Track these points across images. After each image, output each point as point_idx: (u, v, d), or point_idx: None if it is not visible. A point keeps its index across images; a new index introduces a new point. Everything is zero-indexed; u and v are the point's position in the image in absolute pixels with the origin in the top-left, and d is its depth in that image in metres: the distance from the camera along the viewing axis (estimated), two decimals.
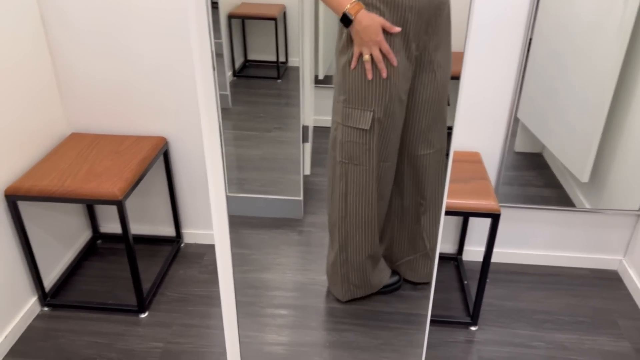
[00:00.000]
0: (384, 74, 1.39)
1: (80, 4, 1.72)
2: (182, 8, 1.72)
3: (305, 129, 2.17)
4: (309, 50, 2.07)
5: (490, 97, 1.84)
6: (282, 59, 2.23)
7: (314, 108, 2.36)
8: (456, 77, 3.07)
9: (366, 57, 1.36)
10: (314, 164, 2.36)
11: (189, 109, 1.89)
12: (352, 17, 1.32)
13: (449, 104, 1.59)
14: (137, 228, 2.15)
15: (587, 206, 2.03)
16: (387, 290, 1.83)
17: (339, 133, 1.52)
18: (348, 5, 1.32)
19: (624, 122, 1.92)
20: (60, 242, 1.96)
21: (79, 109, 1.90)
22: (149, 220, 2.13)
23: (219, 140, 0.99)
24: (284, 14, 2.13)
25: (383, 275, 1.81)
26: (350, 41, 1.40)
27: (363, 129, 1.48)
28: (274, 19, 2.13)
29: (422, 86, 1.50)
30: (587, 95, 1.96)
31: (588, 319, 1.81)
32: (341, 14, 1.34)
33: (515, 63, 1.80)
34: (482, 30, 1.73)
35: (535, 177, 2.27)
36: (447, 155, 1.13)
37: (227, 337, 1.21)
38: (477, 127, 1.89)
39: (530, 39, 1.98)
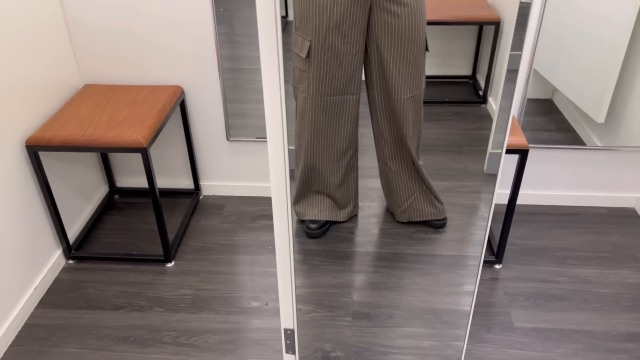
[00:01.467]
0: None
1: None
2: None
3: None
4: None
5: None
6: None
7: None
8: (469, 22, 3.00)
9: None
10: None
11: (204, 57, 1.85)
12: None
13: (427, 50, 1.59)
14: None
15: (601, 146, 2.03)
16: (312, 233, 1.87)
17: (293, 56, 1.60)
18: None
19: None
20: (80, 195, 1.94)
21: (92, 61, 1.86)
22: (166, 172, 2.12)
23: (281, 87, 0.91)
24: None
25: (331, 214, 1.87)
26: None
27: (303, 57, 1.55)
28: None
29: (381, 26, 1.50)
30: (602, 35, 1.93)
31: (609, 254, 1.84)
32: None
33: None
34: None
35: (547, 122, 2.26)
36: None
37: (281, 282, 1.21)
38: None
39: None
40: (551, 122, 2.29)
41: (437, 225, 1.91)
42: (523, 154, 1.59)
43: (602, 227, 1.97)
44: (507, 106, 2.45)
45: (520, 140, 1.59)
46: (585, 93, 2.10)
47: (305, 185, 1.83)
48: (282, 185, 0.93)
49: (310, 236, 1.89)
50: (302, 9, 1.48)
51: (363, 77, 1.66)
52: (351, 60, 1.56)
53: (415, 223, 1.93)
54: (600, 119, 2.04)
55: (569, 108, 2.23)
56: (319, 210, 1.86)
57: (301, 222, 1.90)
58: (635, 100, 1.96)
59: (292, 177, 1.74)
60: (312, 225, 1.87)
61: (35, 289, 1.65)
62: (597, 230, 1.95)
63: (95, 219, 2.00)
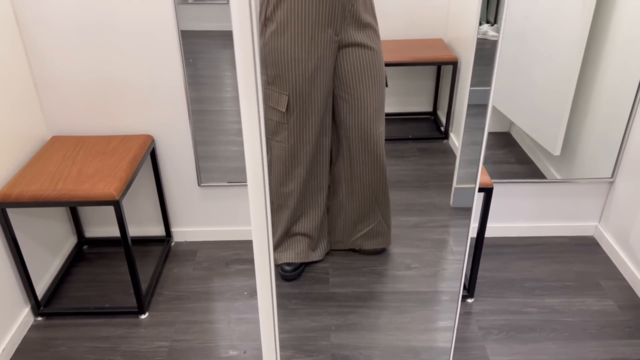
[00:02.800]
0: None
1: (55, 0, 1.67)
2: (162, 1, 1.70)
3: None
4: None
5: None
6: None
7: None
8: (429, 63, 3.13)
9: None
10: None
11: (173, 104, 1.87)
12: None
13: (387, 85, 1.69)
14: None
15: (559, 178, 2.14)
16: (287, 275, 1.90)
17: (266, 112, 1.67)
18: None
19: (591, 95, 2.03)
20: (48, 249, 1.90)
21: (59, 111, 1.84)
22: (137, 221, 2.09)
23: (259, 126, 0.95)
24: None
25: (304, 255, 1.91)
26: (274, 10, 1.49)
27: (281, 110, 1.62)
28: None
29: (353, 65, 1.61)
30: (554, 71, 2.06)
31: (573, 282, 1.92)
32: None
33: None
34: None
35: (506, 155, 2.37)
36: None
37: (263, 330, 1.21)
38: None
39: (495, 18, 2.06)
40: (510, 154, 2.39)
41: (379, 252, 2.00)
42: (488, 192, 1.67)
43: (565, 257, 2.05)
44: (468, 141, 2.55)
45: (484, 178, 1.66)
46: (540, 127, 2.22)
47: (284, 230, 1.86)
48: (263, 233, 0.95)
49: (286, 279, 1.90)
50: (275, 64, 1.53)
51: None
52: (323, 105, 1.62)
53: (386, 258, 1.99)
54: (556, 151, 2.15)
55: (526, 141, 2.34)
56: (295, 253, 1.88)
57: (276, 265, 1.91)
58: (587, 133, 2.08)
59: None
60: (287, 268, 1.88)
61: (2, 350, 1.59)
62: (561, 259, 2.04)
63: (64, 272, 1.95)
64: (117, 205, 1.56)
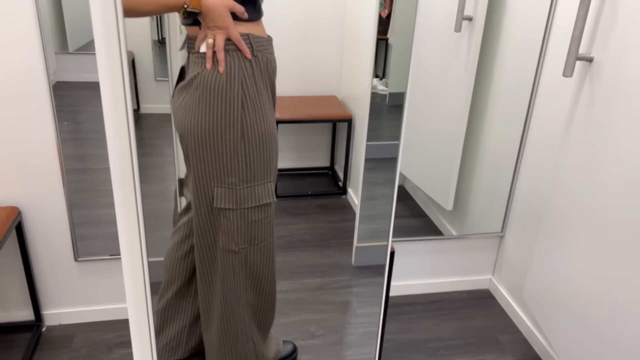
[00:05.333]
0: (221, 68, 1.21)
1: None
2: (30, 48, 1.51)
3: (181, 181, 2.04)
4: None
5: None
6: (133, 106, 2.06)
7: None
8: (324, 120, 3.14)
9: (209, 40, 1.20)
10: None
11: (44, 171, 1.65)
12: (195, 9, 1.17)
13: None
14: None
15: (453, 232, 2.19)
16: None
17: (235, 219, 1.32)
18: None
19: (477, 152, 2.13)
20: None
21: None
22: (1, 304, 1.80)
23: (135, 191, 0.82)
24: (132, 60, 1.98)
25: (278, 348, 1.72)
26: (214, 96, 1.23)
27: (267, 204, 1.34)
28: None
29: None
30: (443, 129, 2.14)
31: (474, 339, 1.93)
32: (182, 10, 1.17)
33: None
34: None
35: (401, 209, 2.40)
36: None
37: None
38: None
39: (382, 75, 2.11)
40: (405, 208, 2.43)
41: None
42: (391, 255, 1.63)
43: (465, 312, 2.07)
44: (366, 196, 2.54)
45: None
46: (432, 182, 2.28)
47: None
48: (142, 314, 0.80)
49: None
50: (260, 152, 1.31)
51: None
52: None
53: None
54: (449, 206, 2.21)
55: (419, 195, 2.39)
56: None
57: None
58: (476, 189, 2.16)
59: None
60: None
61: None
62: (461, 315, 2.05)
63: None
64: None
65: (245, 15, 1.23)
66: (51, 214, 1.71)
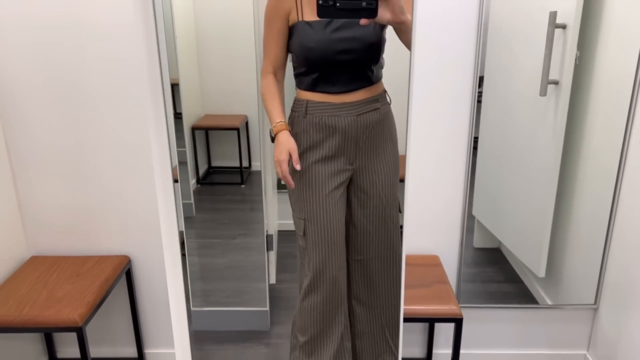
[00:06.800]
0: (290, 185, 1.47)
1: (44, 129, 1.78)
2: (142, 128, 1.80)
3: (269, 237, 2.20)
4: (270, 157, 2.13)
5: (442, 198, 1.93)
6: (245, 164, 2.28)
7: (278, 212, 2.41)
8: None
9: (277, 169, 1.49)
10: (279, 270, 2.37)
11: (152, 226, 1.91)
12: (273, 135, 1.45)
13: (400, 211, 1.66)
14: (96, 351, 2.07)
15: (548, 300, 2.08)
16: None
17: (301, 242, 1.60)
18: (274, 124, 1.45)
19: (570, 216, 2.03)
20: None
21: (40, 232, 1.90)
22: (109, 341, 2.06)
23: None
24: (246, 123, 2.21)
25: None
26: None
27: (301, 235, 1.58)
28: (237, 129, 2.21)
29: (362, 194, 1.58)
30: (533, 191, 2.08)
31: None
32: (270, 129, 1.48)
33: (463, 163, 1.91)
34: (427, 133, 1.86)
35: (496, 273, 2.32)
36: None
37: None
38: (433, 228, 1.97)
39: (476, 138, 2.12)
40: (500, 272, 2.34)
41: None
42: (458, 322, 1.62)
43: None
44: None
45: (453, 309, 1.63)
46: (524, 246, 2.20)
47: None
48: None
49: None
50: (291, 193, 1.57)
51: None
52: (338, 231, 1.60)
53: None
54: (541, 273, 2.11)
55: (515, 259, 2.31)
56: None
57: None
58: (569, 256, 2.05)
59: None
60: None
61: None
62: None
63: None
64: (79, 331, 1.55)
65: (298, 167, 1.44)
66: (155, 265, 1.95)
